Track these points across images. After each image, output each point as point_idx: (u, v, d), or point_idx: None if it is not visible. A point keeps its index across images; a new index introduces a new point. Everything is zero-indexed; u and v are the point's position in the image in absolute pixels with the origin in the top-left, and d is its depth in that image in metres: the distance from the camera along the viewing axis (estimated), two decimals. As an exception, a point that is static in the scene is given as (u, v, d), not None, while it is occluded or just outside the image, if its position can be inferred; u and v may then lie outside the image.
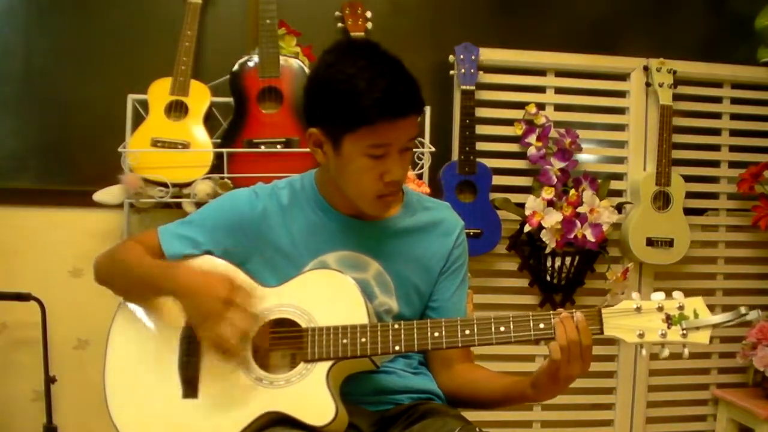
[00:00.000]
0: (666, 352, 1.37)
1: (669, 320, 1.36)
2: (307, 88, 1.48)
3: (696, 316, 1.36)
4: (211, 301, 1.38)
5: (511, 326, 1.39)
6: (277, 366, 1.47)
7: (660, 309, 1.37)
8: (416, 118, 1.43)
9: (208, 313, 1.38)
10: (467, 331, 1.40)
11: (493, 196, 2.75)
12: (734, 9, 3.07)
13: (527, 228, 2.70)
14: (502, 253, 2.82)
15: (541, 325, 1.39)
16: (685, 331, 1.35)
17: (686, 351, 1.37)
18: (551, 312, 1.39)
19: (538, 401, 1.46)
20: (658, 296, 1.38)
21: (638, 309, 1.37)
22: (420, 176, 2.56)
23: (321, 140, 1.45)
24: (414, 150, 2.45)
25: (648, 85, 2.88)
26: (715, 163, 3.02)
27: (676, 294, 1.38)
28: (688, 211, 2.90)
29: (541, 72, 2.88)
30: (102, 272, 1.59)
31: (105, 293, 1.57)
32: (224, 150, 2.46)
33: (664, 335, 1.36)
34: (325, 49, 1.47)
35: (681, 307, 1.37)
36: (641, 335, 1.36)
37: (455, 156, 2.72)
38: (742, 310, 1.33)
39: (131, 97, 2.54)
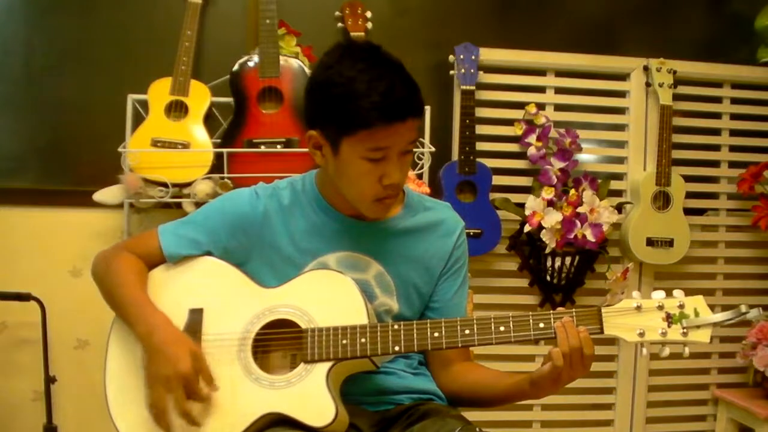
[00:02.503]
0: (666, 351, 1.36)
1: (669, 319, 1.36)
2: (306, 90, 1.47)
3: (696, 314, 1.36)
4: (168, 370, 1.38)
5: (511, 326, 1.39)
6: (277, 367, 1.46)
7: (660, 308, 1.37)
8: (416, 122, 1.42)
9: (161, 378, 1.38)
10: (467, 331, 1.40)
11: (493, 196, 2.75)
12: (734, 9, 3.07)
13: (527, 228, 2.70)
14: (502, 253, 2.82)
15: (541, 325, 1.39)
16: (685, 330, 1.35)
17: (687, 350, 1.37)
18: (551, 312, 1.39)
19: (537, 398, 1.46)
20: (659, 295, 1.38)
21: (638, 308, 1.37)
22: (420, 176, 2.56)
23: (320, 143, 1.45)
24: (414, 150, 2.46)
25: (648, 85, 2.88)
26: (715, 163, 3.02)
27: (677, 293, 1.38)
28: (688, 211, 2.90)
29: (541, 72, 2.88)
30: (96, 276, 1.60)
31: (105, 293, 1.57)
32: (224, 150, 2.46)
33: (664, 334, 1.35)
34: (326, 51, 1.46)
35: (681, 306, 1.37)
36: (641, 334, 1.36)
37: (455, 156, 2.72)
38: (743, 308, 1.33)
39: (131, 97, 2.54)
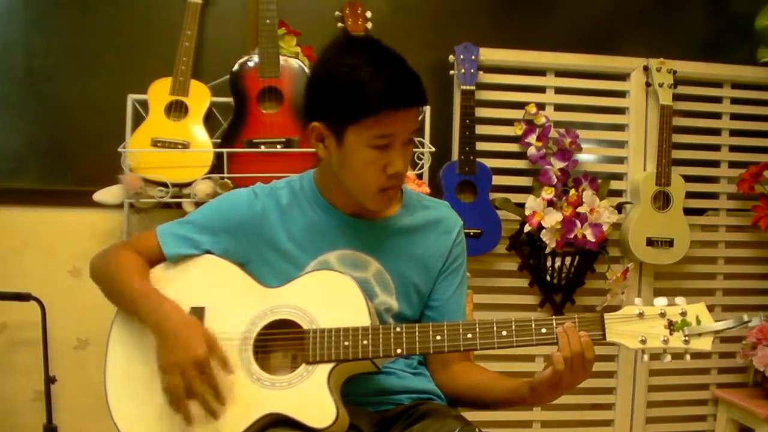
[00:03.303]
0: (668, 358, 1.36)
1: (671, 326, 1.36)
2: (308, 83, 1.48)
3: (698, 322, 1.35)
4: (184, 356, 1.38)
5: (514, 331, 1.39)
6: (278, 367, 1.46)
7: (662, 315, 1.36)
8: (418, 111, 1.44)
9: (176, 366, 1.38)
10: (469, 335, 1.40)
11: (493, 196, 2.75)
12: (734, 9, 3.07)
13: (527, 228, 2.70)
14: (502, 253, 2.82)
15: (543, 330, 1.39)
16: (687, 338, 1.35)
17: (688, 356, 1.37)
18: (553, 317, 1.39)
19: (537, 405, 1.46)
20: (661, 302, 1.38)
21: (641, 315, 1.37)
22: (420, 176, 2.56)
23: (323, 134, 1.45)
24: (414, 150, 2.46)
25: (648, 85, 2.88)
26: (715, 163, 3.02)
27: (679, 300, 1.38)
28: (688, 211, 2.90)
29: (541, 72, 2.88)
30: (95, 274, 1.59)
31: (105, 293, 1.57)
32: (224, 150, 2.46)
33: (666, 341, 1.35)
34: (325, 46, 1.47)
35: (683, 313, 1.36)
36: (643, 341, 1.36)
37: (455, 156, 2.72)
38: (745, 317, 1.33)
39: (131, 97, 2.54)
